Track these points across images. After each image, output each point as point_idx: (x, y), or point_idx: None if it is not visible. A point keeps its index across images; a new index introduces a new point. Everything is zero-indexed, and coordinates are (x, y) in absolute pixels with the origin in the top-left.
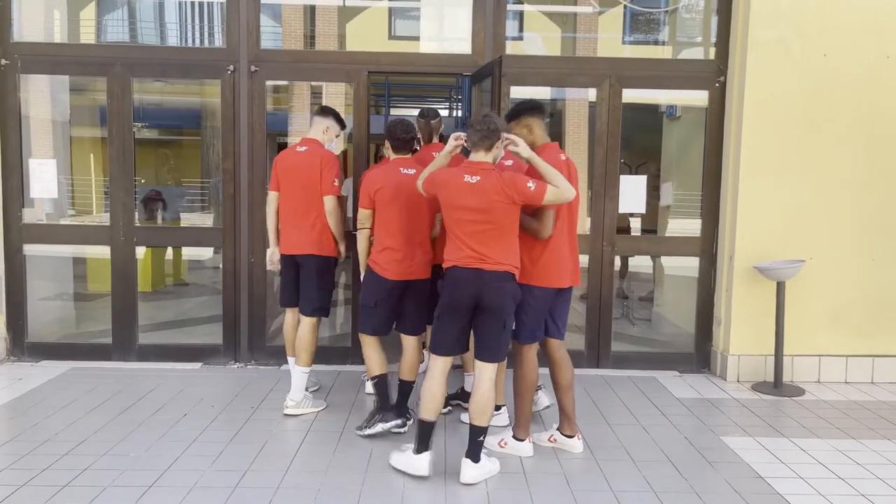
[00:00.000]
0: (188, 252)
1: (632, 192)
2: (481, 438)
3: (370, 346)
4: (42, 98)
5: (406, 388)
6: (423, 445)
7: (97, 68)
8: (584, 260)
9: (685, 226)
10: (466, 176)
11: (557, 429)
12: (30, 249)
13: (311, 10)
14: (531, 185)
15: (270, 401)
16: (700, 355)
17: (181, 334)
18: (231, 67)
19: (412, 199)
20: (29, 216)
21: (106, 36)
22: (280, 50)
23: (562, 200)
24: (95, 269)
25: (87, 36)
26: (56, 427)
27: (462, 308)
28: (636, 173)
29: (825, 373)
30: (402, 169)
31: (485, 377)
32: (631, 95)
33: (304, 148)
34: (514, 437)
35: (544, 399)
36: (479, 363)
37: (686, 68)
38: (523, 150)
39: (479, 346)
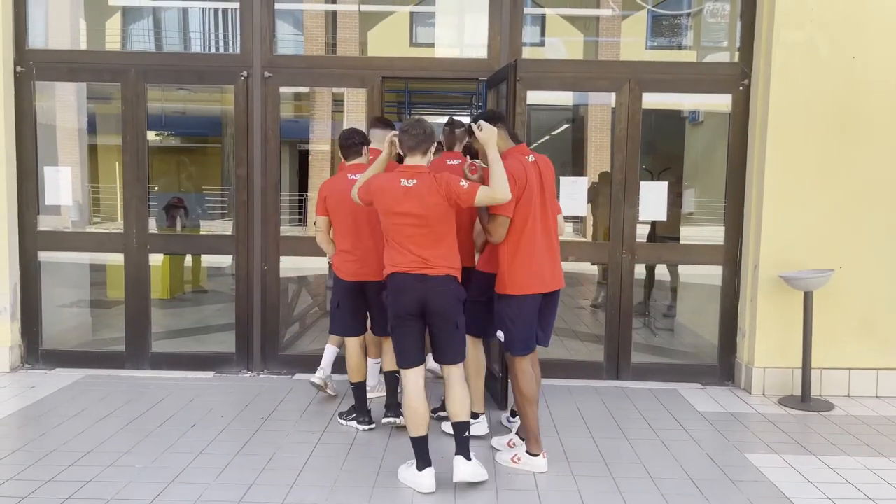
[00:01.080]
0: (208, 259)
1: (652, 199)
2: (467, 434)
3: (349, 352)
4: (62, 106)
5: (393, 380)
6: (423, 461)
7: (111, 75)
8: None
9: (708, 233)
10: (403, 180)
11: (516, 433)
12: (48, 256)
13: (332, 19)
14: (464, 184)
15: (281, 411)
16: (724, 367)
17: (195, 342)
18: (244, 73)
19: (357, 205)
20: (55, 223)
21: (131, 44)
22: (294, 56)
23: (494, 202)
24: (114, 276)
25: (102, 44)
26: (64, 437)
27: (411, 315)
28: (658, 179)
29: (855, 387)
30: (349, 175)
31: (453, 377)
32: (652, 101)
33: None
34: (527, 451)
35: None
36: (444, 367)
37: (709, 71)
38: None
39: (439, 352)
